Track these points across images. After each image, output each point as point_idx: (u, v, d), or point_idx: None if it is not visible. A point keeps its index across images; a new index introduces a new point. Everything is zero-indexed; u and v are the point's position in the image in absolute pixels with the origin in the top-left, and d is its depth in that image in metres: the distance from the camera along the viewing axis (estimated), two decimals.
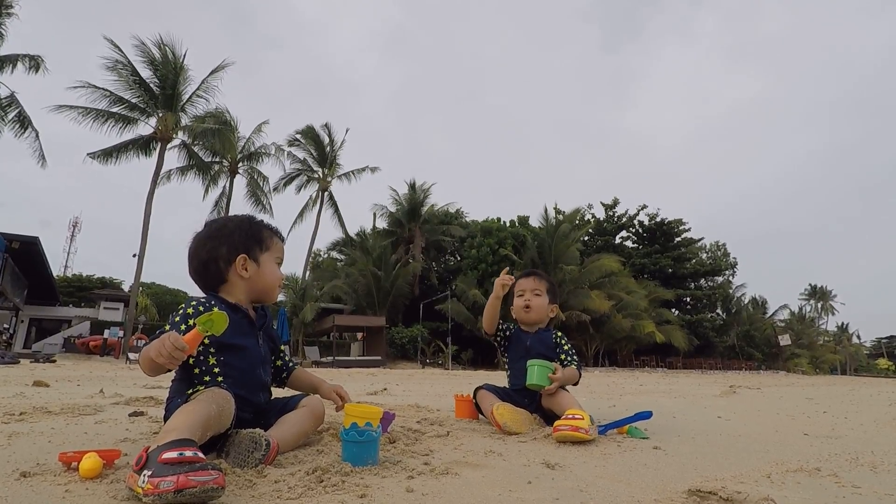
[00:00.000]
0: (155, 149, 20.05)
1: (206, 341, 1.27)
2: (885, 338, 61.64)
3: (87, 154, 19.41)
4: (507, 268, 2.18)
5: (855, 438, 2.04)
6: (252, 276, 1.49)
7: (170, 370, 1.24)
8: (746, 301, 38.59)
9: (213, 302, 1.41)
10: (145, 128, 19.86)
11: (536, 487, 1.11)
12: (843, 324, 62.39)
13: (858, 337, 61.55)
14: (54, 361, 11.82)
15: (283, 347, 1.71)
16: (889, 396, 5.01)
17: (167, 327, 1.34)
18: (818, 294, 62.55)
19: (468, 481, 1.13)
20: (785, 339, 33.44)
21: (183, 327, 1.32)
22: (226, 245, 1.48)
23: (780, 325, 38.02)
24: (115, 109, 19.04)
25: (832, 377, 24.84)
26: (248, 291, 1.50)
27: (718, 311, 35.77)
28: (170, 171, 22.29)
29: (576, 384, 2.11)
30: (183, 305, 1.39)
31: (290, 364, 1.70)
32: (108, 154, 19.56)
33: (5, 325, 19.21)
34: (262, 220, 1.60)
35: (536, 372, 1.89)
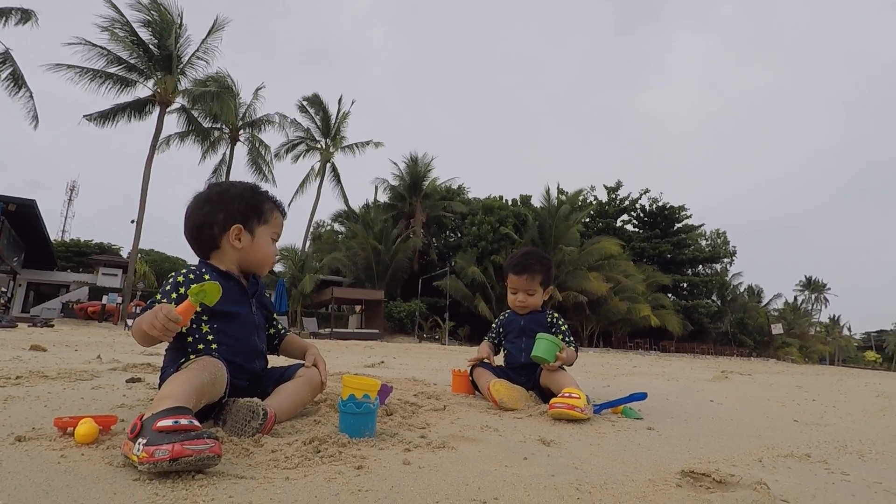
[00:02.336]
0: (152, 112, 19.70)
1: (199, 309, 1.25)
2: (876, 332, 62.50)
3: (84, 116, 19.05)
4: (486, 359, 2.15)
5: (843, 427, 2.06)
6: (245, 247, 1.46)
7: (163, 342, 1.23)
8: (742, 289, 38.81)
9: (203, 270, 1.39)
10: (143, 90, 19.47)
11: (532, 463, 1.11)
12: (834, 316, 63.08)
13: (849, 329, 62.24)
14: (52, 326, 11.89)
15: (276, 317, 1.69)
16: (876, 388, 5.08)
17: (158, 296, 1.33)
18: (812, 286, 62.96)
19: (464, 455, 1.14)
20: (777, 328, 33.82)
21: (174, 296, 1.30)
22: (223, 211, 1.44)
23: (773, 315, 38.34)
24: (112, 70, 18.61)
25: (820, 366, 25.23)
26: (239, 262, 1.48)
27: (714, 297, 36.03)
28: (169, 136, 21.99)
29: (571, 365, 2.13)
30: (173, 274, 1.37)
31: (283, 331, 1.70)
32: (105, 116, 19.22)
33: (3, 289, 19.21)
34: (266, 191, 1.55)
35: (544, 346, 1.89)
